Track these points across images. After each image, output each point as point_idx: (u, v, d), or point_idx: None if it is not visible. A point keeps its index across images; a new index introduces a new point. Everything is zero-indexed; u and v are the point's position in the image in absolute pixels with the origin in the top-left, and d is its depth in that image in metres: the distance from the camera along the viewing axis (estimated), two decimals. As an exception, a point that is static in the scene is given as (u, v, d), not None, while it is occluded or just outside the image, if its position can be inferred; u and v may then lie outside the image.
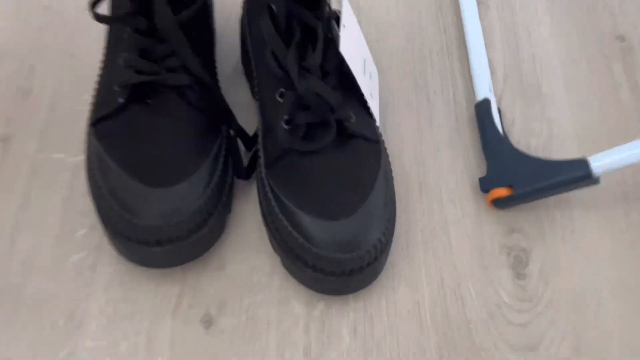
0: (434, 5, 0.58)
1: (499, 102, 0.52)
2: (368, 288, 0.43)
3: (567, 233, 0.47)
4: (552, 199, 0.48)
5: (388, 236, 0.41)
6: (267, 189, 0.41)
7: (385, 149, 0.44)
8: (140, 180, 0.38)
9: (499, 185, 0.46)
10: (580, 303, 0.44)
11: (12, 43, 0.53)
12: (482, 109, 0.50)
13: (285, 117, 0.40)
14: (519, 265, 0.45)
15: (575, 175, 0.44)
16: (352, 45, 0.43)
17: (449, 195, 0.48)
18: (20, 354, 0.39)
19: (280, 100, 0.41)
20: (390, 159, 0.46)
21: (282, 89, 0.41)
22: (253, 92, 0.47)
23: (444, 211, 0.47)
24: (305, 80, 0.40)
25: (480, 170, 0.49)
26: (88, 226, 0.44)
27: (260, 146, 0.43)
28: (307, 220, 0.39)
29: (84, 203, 0.45)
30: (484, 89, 0.51)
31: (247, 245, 0.44)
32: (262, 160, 0.43)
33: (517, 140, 0.50)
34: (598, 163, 0.44)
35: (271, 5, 0.41)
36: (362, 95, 0.43)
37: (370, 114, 0.44)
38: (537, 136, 0.51)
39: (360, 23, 0.56)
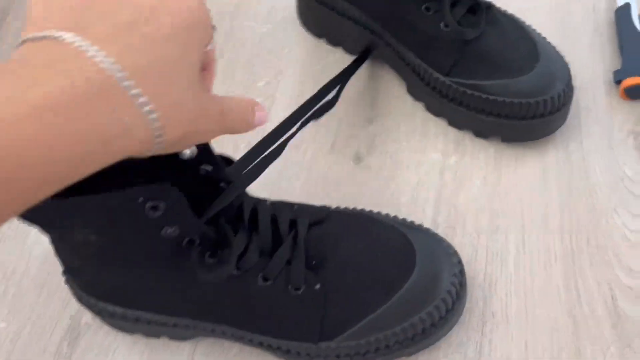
0: None
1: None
2: (499, 148, 0.49)
3: (697, 125, 0.49)
4: (685, 97, 0.51)
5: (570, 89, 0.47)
6: (453, 88, 0.47)
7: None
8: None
9: (632, 75, 0.50)
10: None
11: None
12: (622, 12, 0.53)
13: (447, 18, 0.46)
14: (645, 148, 0.49)
15: None
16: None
17: (582, 84, 0.52)
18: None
19: (429, 13, 0.47)
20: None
21: (427, 2, 0.46)
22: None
23: (576, 97, 0.51)
24: None
25: (616, 67, 0.53)
26: (266, 80, 0.54)
27: (421, 66, 0.49)
28: (501, 84, 0.46)
29: (267, 60, 0.55)
30: (626, -5, 0.54)
31: (394, 101, 0.52)
32: (430, 76, 0.48)
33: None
34: None
35: None
36: None
37: None
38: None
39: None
